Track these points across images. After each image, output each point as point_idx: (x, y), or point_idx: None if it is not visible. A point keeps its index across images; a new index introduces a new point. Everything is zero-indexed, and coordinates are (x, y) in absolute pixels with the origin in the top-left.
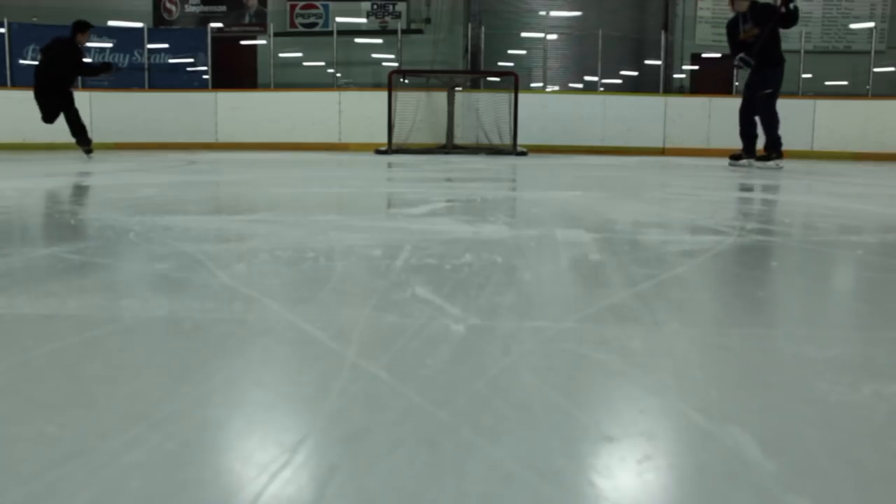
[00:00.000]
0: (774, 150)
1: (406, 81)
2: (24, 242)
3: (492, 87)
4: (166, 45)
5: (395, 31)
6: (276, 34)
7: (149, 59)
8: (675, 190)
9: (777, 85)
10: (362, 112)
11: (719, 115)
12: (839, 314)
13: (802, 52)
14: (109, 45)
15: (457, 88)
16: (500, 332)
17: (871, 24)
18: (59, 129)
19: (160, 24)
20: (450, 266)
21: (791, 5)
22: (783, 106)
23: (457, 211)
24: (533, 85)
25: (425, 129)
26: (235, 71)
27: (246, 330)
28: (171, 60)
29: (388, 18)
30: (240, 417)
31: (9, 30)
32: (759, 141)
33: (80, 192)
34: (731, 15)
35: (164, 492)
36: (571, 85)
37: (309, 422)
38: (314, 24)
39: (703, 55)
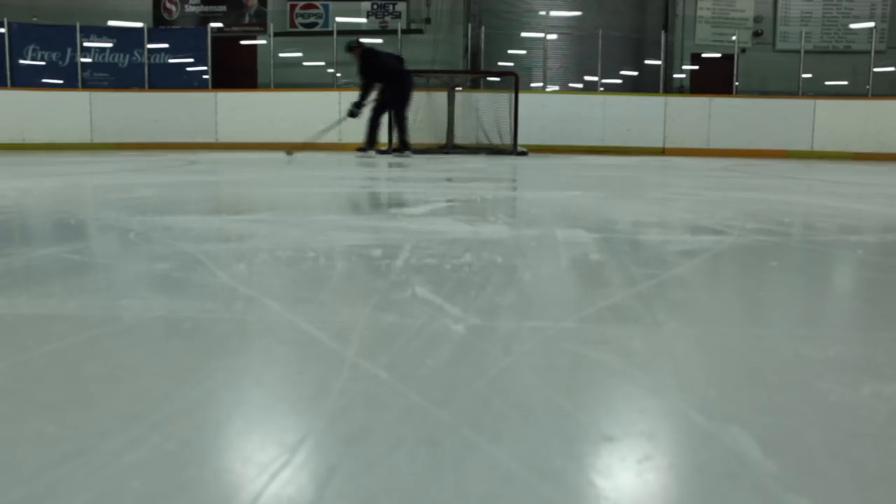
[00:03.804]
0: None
1: None
2: (24, 242)
3: (492, 87)
4: (166, 45)
5: (395, 31)
6: (276, 34)
7: (149, 58)
8: (675, 190)
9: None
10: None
11: (719, 115)
12: (839, 314)
13: (802, 52)
14: (109, 45)
15: (457, 88)
16: (500, 332)
17: (871, 24)
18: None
19: (160, 24)
20: (450, 266)
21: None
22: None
23: (457, 211)
24: (533, 85)
25: (425, 129)
26: (235, 71)
27: (246, 330)
28: (171, 60)
29: (388, 18)
30: (240, 417)
31: (9, 30)
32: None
33: (79, 191)
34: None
35: (164, 492)
36: (571, 85)
37: (309, 422)
38: (314, 24)
39: (703, 55)
